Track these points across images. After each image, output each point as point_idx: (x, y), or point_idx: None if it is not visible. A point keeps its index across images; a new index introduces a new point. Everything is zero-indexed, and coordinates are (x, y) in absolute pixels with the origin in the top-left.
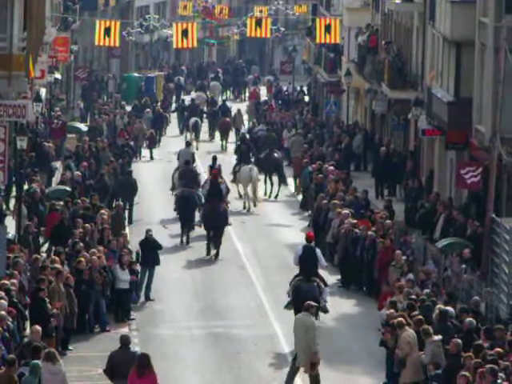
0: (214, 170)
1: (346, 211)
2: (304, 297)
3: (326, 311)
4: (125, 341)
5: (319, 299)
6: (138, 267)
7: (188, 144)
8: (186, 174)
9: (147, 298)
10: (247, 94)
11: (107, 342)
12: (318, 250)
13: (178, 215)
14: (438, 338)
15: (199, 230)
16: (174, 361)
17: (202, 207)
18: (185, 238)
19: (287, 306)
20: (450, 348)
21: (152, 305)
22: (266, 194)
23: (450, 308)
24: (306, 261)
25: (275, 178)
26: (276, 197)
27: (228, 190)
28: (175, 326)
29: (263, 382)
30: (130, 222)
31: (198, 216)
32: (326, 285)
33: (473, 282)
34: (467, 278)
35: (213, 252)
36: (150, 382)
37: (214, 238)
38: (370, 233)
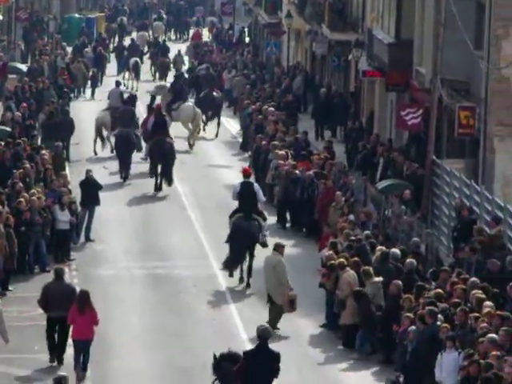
0: (157, 105)
1: (284, 152)
2: (243, 235)
3: (265, 245)
4: (59, 273)
5: (258, 238)
6: (78, 207)
7: (118, 84)
8: (123, 113)
9: (87, 239)
10: (190, 35)
11: (47, 282)
12: (255, 185)
13: (117, 155)
14: (378, 279)
15: (139, 168)
16: (114, 301)
17: (149, 141)
18: (124, 175)
19: (227, 241)
20: (390, 289)
21: (92, 245)
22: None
23: (395, 250)
24: (245, 196)
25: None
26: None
27: (169, 123)
28: (115, 266)
29: (203, 321)
30: (68, 160)
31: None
32: (264, 219)
33: (413, 224)
34: (407, 220)
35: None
36: (91, 318)
37: (165, 173)
38: (309, 173)
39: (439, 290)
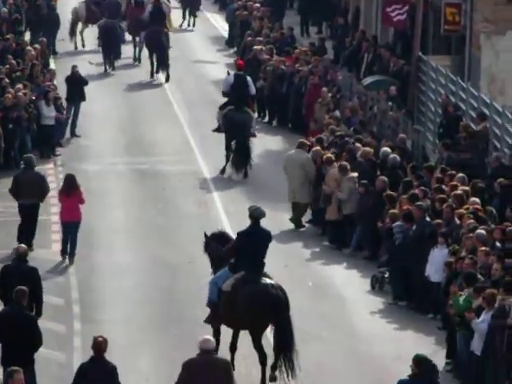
0: None
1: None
2: (237, 126)
3: (254, 135)
4: (28, 162)
5: (251, 129)
6: (64, 102)
7: None
8: (109, 5)
9: (73, 134)
10: None
11: None
12: (248, 78)
13: (101, 47)
14: (354, 174)
15: (123, 60)
16: (100, 196)
17: (143, 31)
18: (109, 66)
19: (217, 130)
20: (376, 185)
21: (77, 141)
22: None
23: (386, 148)
24: (237, 89)
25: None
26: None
27: (169, 10)
28: (101, 161)
29: (189, 216)
30: (54, 52)
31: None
32: (253, 111)
33: (399, 120)
34: (393, 116)
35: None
36: (78, 199)
37: (160, 61)
38: (297, 68)
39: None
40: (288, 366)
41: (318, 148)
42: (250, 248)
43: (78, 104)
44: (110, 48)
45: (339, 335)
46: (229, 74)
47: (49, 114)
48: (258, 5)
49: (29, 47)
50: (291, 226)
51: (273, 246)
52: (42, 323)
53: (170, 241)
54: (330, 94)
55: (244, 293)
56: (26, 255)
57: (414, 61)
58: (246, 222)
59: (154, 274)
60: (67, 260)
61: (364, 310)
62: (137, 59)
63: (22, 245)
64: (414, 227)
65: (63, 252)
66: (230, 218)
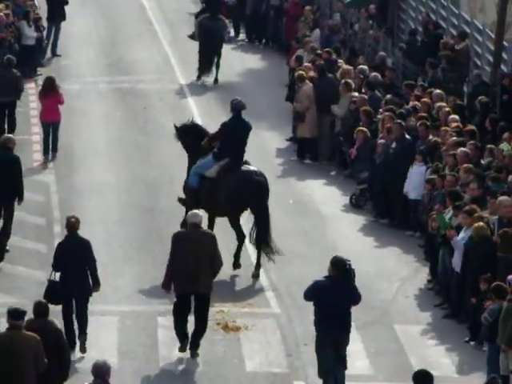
0: None
1: None
2: (211, 33)
3: (229, 41)
4: (9, 61)
5: (224, 36)
6: (45, 23)
7: None
8: None
9: (53, 54)
10: None
11: None
12: None
13: None
14: (355, 93)
15: None
16: (80, 116)
17: None
18: None
19: (191, 36)
20: (356, 103)
21: (58, 60)
22: None
23: (363, 66)
24: None
25: None
26: None
27: None
28: (81, 80)
29: (168, 135)
30: None
31: None
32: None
33: (379, 38)
34: (373, 34)
35: None
36: (57, 100)
37: None
38: None
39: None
40: (268, 251)
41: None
42: (233, 138)
43: (58, 23)
44: None
45: (320, 253)
46: None
47: (30, 34)
48: None
49: None
50: (271, 143)
51: (252, 163)
52: (24, 243)
53: (150, 159)
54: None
55: (230, 178)
56: (8, 142)
57: None
58: None
59: (135, 192)
60: (50, 158)
61: (345, 228)
62: None
63: (4, 134)
64: (394, 145)
65: (45, 152)
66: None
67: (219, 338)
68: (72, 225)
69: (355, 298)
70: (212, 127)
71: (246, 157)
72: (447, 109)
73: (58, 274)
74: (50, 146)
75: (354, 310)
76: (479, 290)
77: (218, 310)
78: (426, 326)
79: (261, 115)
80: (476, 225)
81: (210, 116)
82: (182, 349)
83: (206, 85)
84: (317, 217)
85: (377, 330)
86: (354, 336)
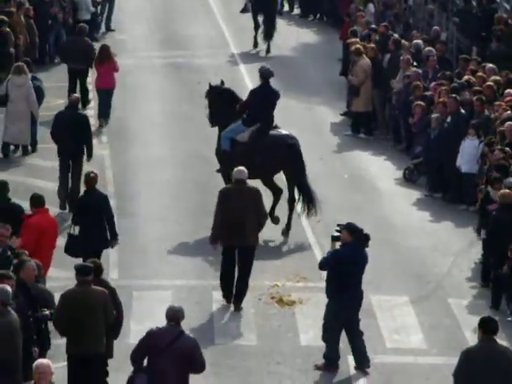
0: None
1: None
2: (264, 2)
3: (280, 13)
4: (81, 29)
5: (277, 4)
6: None
7: None
8: None
9: (108, 29)
10: None
11: (67, 73)
12: None
13: None
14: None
15: None
16: (135, 90)
17: None
18: None
19: (244, 10)
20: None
21: (113, 35)
22: None
23: (417, 41)
24: None
25: None
26: None
27: None
28: (136, 55)
29: None
30: None
31: None
32: None
33: (433, 12)
34: (427, 9)
35: None
36: (112, 67)
37: None
38: None
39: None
40: (310, 203)
41: (353, 40)
42: (262, 104)
43: None
44: None
45: (374, 227)
46: None
47: (87, 8)
48: None
49: None
50: (325, 117)
51: (307, 139)
52: None
53: (205, 134)
54: None
55: (263, 142)
56: (78, 103)
57: None
58: (282, 115)
59: (190, 167)
60: (103, 123)
61: (399, 202)
62: None
63: (75, 94)
64: (449, 119)
65: (99, 116)
66: None
67: (274, 312)
68: (91, 180)
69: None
70: None
71: (300, 130)
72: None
73: (77, 228)
74: (104, 113)
75: (409, 283)
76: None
77: (272, 284)
78: (480, 299)
79: (315, 90)
80: (502, 191)
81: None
82: (228, 301)
83: (260, 56)
84: (371, 191)
85: (431, 304)
86: (409, 310)
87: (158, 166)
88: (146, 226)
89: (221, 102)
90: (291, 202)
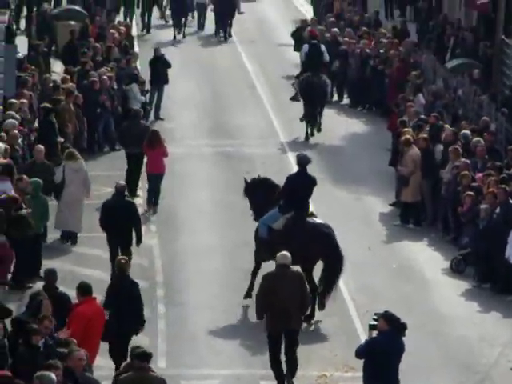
0: None
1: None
2: (314, 89)
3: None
4: (136, 113)
5: (327, 91)
6: (148, 86)
7: None
8: None
9: (157, 117)
10: None
11: (116, 161)
12: (322, 46)
13: (172, 14)
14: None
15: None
16: (184, 178)
17: None
18: (178, 33)
19: (293, 98)
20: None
21: (162, 124)
22: None
23: (465, 131)
24: (312, 57)
25: None
26: None
27: None
28: (185, 144)
29: None
30: (148, 30)
31: None
32: (328, 78)
33: (482, 103)
34: (477, 99)
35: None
36: (161, 152)
37: (225, 26)
38: (381, 51)
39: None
40: (332, 290)
41: (403, 130)
42: (298, 191)
43: (161, 87)
44: (179, 15)
45: (422, 317)
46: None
47: (138, 97)
48: None
49: (112, 30)
50: (374, 207)
51: (355, 229)
52: None
53: (253, 223)
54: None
55: (298, 231)
56: (124, 190)
57: (497, 44)
58: (331, 205)
59: (238, 255)
60: (151, 210)
61: (447, 292)
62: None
63: (121, 181)
64: (498, 210)
65: (149, 201)
66: (314, 202)
67: None
68: (122, 266)
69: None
70: (316, 193)
71: (349, 219)
72: None
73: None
74: (152, 199)
75: (456, 373)
76: None
77: (320, 375)
78: None
79: (364, 180)
80: None
81: None
82: None
83: (309, 145)
84: (419, 281)
85: None
86: None
87: (206, 254)
88: (195, 314)
89: (260, 194)
90: (327, 285)
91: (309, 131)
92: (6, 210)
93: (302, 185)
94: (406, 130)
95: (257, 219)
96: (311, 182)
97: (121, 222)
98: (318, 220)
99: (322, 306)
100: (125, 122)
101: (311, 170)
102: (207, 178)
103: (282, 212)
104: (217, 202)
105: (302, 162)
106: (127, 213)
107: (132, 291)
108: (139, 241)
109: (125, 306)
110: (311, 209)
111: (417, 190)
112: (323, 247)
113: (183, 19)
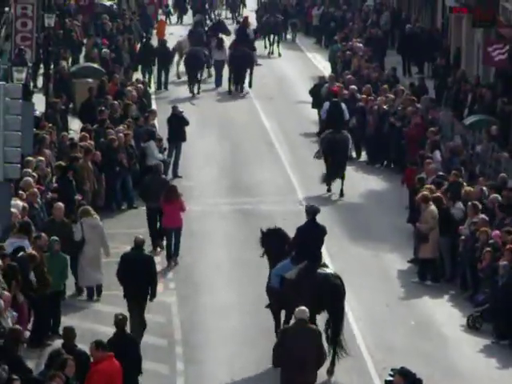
0: (245, 17)
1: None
2: (336, 146)
3: (351, 157)
4: (157, 168)
5: (349, 149)
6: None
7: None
8: (194, 34)
9: (175, 175)
10: None
11: (134, 218)
12: (343, 104)
13: (186, 71)
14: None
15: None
16: (202, 237)
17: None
18: (195, 88)
19: (317, 156)
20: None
21: (180, 181)
22: (269, 53)
23: (484, 187)
24: (333, 114)
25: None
26: (274, 53)
27: (255, 36)
28: (203, 202)
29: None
30: (166, 87)
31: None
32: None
33: (501, 160)
34: (495, 156)
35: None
36: (179, 206)
37: (239, 78)
38: (399, 108)
39: None
40: (340, 349)
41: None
42: (309, 241)
43: (179, 144)
44: (193, 72)
45: (441, 374)
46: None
47: (156, 154)
48: (360, 45)
49: (130, 87)
50: (392, 264)
51: (373, 286)
52: (145, 364)
53: None
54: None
55: (308, 281)
56: (143, 244)
57: None
58: (349, 261)
59: (257, 314)
60: (172, 263)
61: (465, 349)
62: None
63: (140, 236)
64: None
65: (168, 256)
66: (333, 259)
67: None
68: (120, 322)
69: None
70: (334, 249)
71: (367, 276)
72: None
73: None
74: (172, 252)
75: None
76: None
77: None
78: None
79: (382, 237)
80: None
81: (332, 238)
82: None
83: (329, 201)
84: (437, 338)
85: None
86: None
87: (224, 312)
88: (214, 372)
89: (274, 244)
90: (333, 340)
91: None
92: (24, 267)
93: (312, 235)
94: (427, 186)
95: (271, 268)
96: (321, 232)
97: (138, 276)
98: (327, 270)
99: (330, 372)
100: (146, 177)
101: (330, 226)
102: (225, 235)
103: (294, 263)
104: (235, 260)
105: (311, 211)
106: (145, 267)
107: (130, 348)
108: (153, 295)
109: (121, 363)
110: (326, 260)
111: (435, 247)
112: (329, 297)
113: (198, 75)
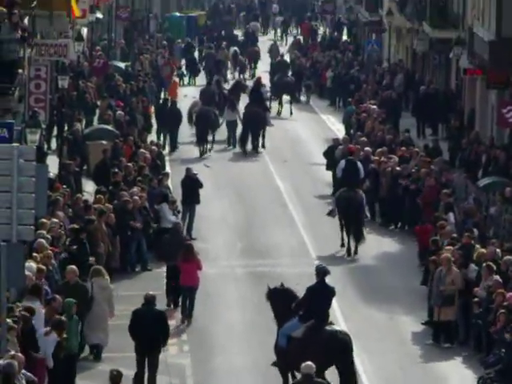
0: (258, 77)
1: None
2: (350, 204)
3: (366, 217)
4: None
5: (364, 207)
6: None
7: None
8: (205, 92)
9: (189, 237)
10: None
11: (149, 281)
12: (358, 163)
13: (196, 132)
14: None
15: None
16: (217, 299)
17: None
18: (208, 147)
19: (330, 214)
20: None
21: (195, 243)
22: (278, 113)
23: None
24: (349, 172)
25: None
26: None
27: (269, 96)
28: (217, 264)
29: None
30: (174, 148)
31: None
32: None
33: None
34: (508, 218)
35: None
36: (195, 265)
37: (254, 137)
38: (413, 170)
39: None
40: None
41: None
42: (318, 301)
43: (193, 207)
44: (203, 133)
45: None
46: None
47: (170, 217)
48: (375, 107)
49: (143, 150)
50: (406, 326)
51: (388, 347)
52: None
53: None
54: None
55: (316, 338)
56: (154, 300)
57: None
58: (364, 324)
59: (270, 377)
60: (186, 321)
61: None
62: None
63: (150, 292)
64: None
65: (182, 313)
66: (346, 320)
67: None
68: (115, 378)
69: None
70: (348, 311)
71: (381, 339)
72: None
73: None
74: (187, 311)
75: None
76: None
77: None
78: None
79: (396, 298)
80: None
81: (345, 299)
82: None
83: (343, 261)
84: None
85: None
86: None
87: (238, 375)
88: None
89: (282, 303)
90: None
91: (351, 247)
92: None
93: (321, 295)
94: (446, 248)
95: (279, 327)
96: (330, 293)
97: (150, 331)
98: (336, 327)
99: None
100: (165, 236)
101: (343, 287)
102: (239, 298)
103: (302, 321)
104: (248, 323)
105: (321, 272)
106: (156, 322)
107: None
108: (164, 345)
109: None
110: (339, 321)
111: (457, 309)
112: (337, 352)
113: (208, 136)
